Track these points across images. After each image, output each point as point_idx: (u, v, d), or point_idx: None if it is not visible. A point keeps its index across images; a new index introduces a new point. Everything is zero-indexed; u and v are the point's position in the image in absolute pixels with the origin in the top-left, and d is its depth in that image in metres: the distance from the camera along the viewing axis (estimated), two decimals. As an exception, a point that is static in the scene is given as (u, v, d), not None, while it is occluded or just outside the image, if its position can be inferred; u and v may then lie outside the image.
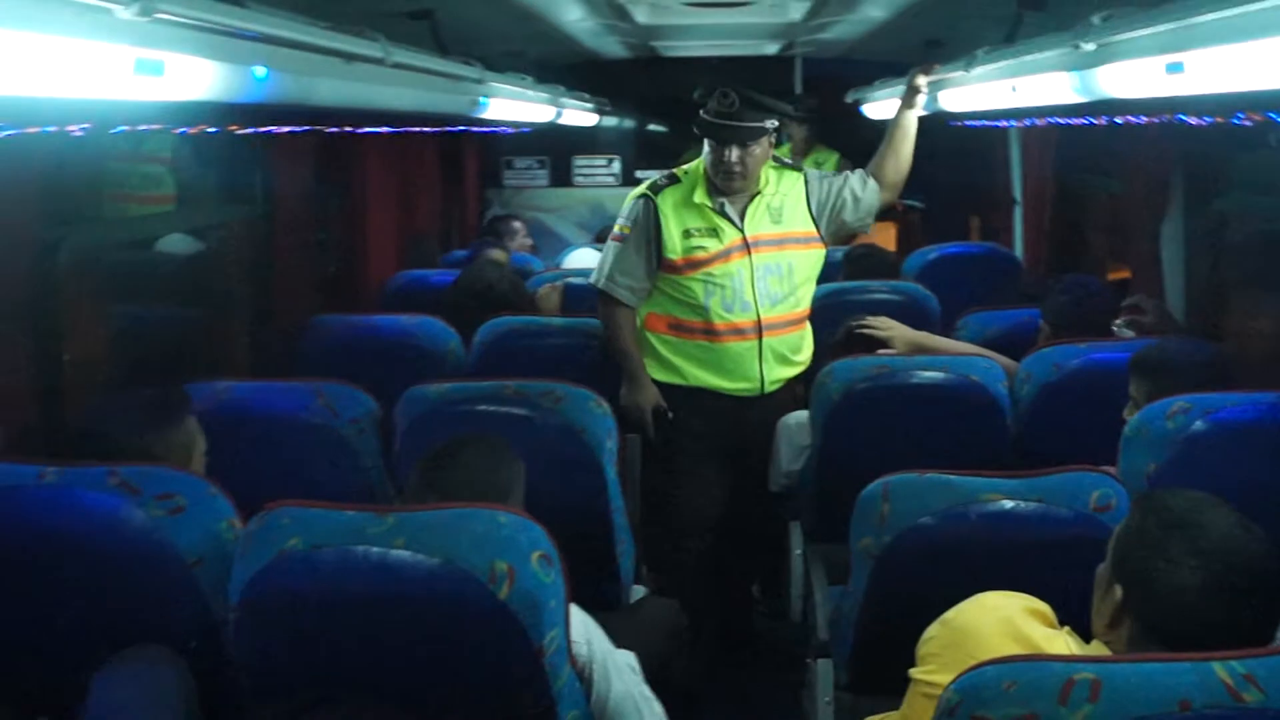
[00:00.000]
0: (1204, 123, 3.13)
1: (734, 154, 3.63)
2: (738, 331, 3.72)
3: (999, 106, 4.06)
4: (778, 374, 3.80)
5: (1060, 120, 4.65)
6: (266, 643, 2.18)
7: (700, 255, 3.70)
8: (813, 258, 3.84)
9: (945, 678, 1.64)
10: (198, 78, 2.13)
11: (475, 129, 6.90)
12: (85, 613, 2.29)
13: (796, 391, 3.90)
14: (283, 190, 4.46)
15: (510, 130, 7.37)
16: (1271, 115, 2.69)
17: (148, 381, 2.90)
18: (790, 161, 3.95)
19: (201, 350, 4.34)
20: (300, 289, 4.53)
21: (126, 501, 2.25)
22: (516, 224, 6.40)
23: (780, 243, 3.76)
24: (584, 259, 5.71)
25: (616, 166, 8.36)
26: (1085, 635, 1.84)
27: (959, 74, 3.85)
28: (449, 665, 2.11)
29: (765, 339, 3.73)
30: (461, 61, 4.23)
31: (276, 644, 2.18)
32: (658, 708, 2.46)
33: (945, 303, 4.37)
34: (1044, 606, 1.84)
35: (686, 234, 3.71)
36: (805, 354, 3.90)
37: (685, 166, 3.85)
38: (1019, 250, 5.73)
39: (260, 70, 2.40)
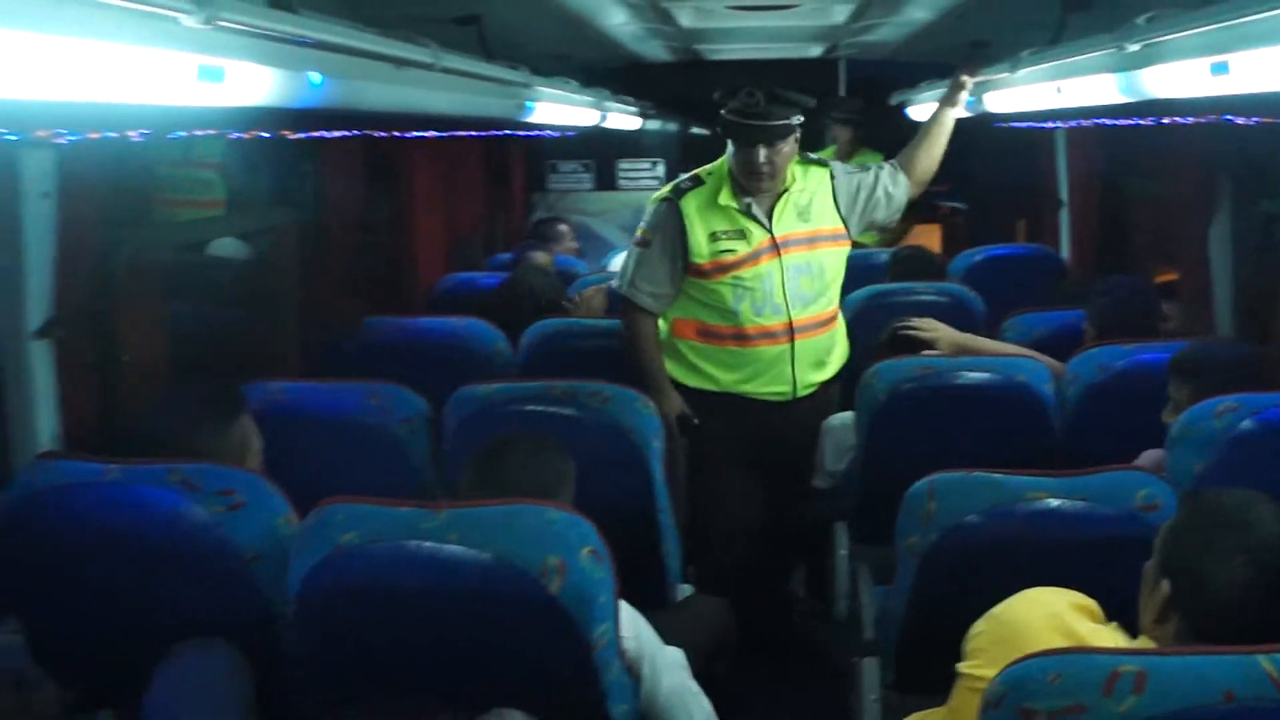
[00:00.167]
0: (1251, 123, 3.12)
1: (762, 154, 3.53)
2: (769, 335, 3.64)
3: (1044, 108, 4.05)
4: (811, 378, 3.71)
5: (1106, 121, 4.62)
6: (322, 636, 2.23)
7: (728, 258, 3.61)
8: (841, 255, 3.77)
9: (992, 672, 1.67)
10: (256, 83, 2.19)
11: (520, 133, 6.96)
12: (147, 606, 2.36)
13: (831, 393, 3.83)
14: (332, 194, 4.53)
15: (555, 134, 7.42)
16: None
17: (204, 382, 2.98)
18: (815, 156, 3.87)
19: (255, 351, 4.41)
20: (350, 292, 4.59)
21: (187, 498, 2.31)
22: (563, 227, 6.44)
23: (811, 241, 3.67)
24: None
25: (660, 169, 8.39)
26: (1132, 632, 1.86)
27: (1004, 75, 3.85)
28: (500, 659, 2.16)
29: (797, 341, 3.65)
30: (508, 66, 4.27)
31: (331, 637, 2.23)
32: (706, 704, 2.49)
33: (991, 304, 4.37)
34: (1091, 602, 1.86)
35: (713, 237, 3.61)
36: (838, 356, 3.82)
37: (709, 167, 3.74)
38: (1065, 252, 5.72)
39: (315, 76, 2.45)
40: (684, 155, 8.48)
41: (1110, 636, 1.79)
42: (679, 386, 3.70)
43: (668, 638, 2.50)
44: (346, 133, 4.32)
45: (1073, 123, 5.23)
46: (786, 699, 3.60)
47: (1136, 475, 2.35)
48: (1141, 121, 4.04)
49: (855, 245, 3.97)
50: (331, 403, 3.13)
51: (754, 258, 3.61)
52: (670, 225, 3.64)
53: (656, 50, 6.89)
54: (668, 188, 3.77)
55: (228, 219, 4.49)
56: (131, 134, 2.77)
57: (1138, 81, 2.78)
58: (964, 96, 3.89)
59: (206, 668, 2.26)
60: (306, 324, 4.49)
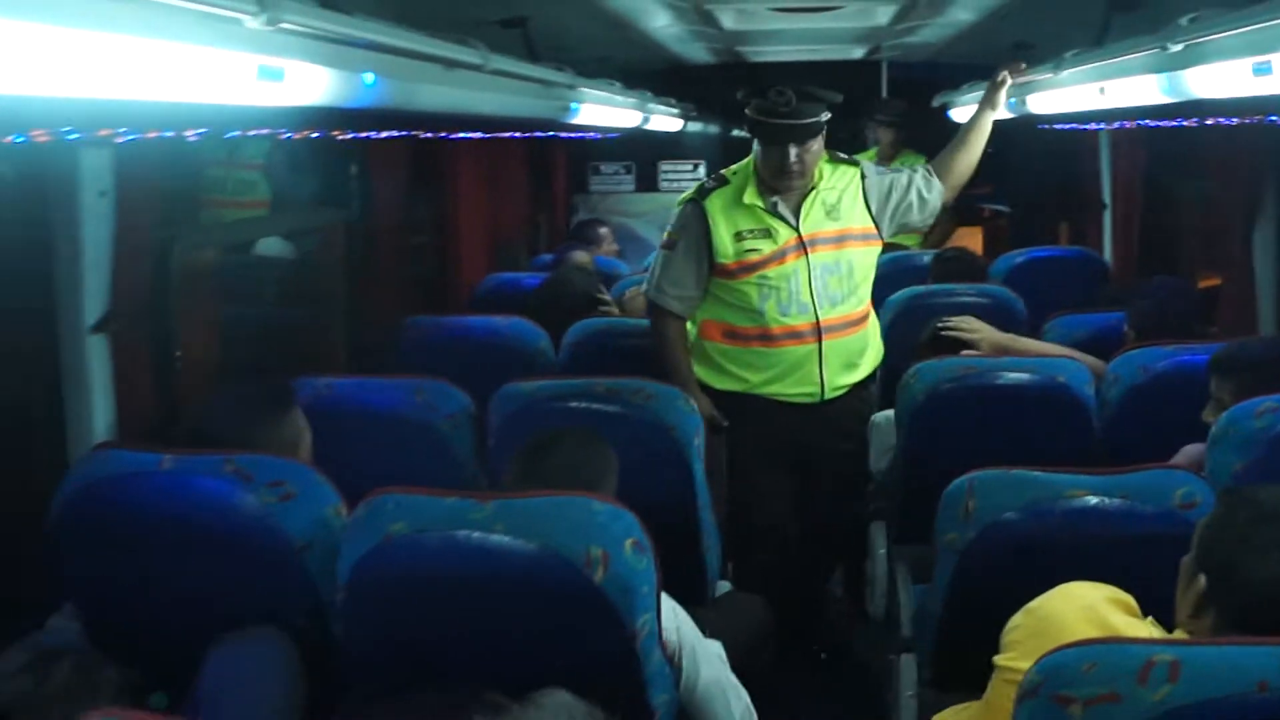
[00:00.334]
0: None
1: (793, 153, 3.49)
2: (795, 335, 3.59)
3: (1087, 109, 4.04)
4: (840, 380, 3.65)
5: (1150, 123, 4.61)
6: (371, 623, 2.27)
7: (754, 258, 3.57)
8: (871, 255, 3.72)
9: (1027, 664, 1.68)
10: (313, 83, 2.24)
11: (563, 135, 7.00)
12: (200, 593, 2.40)
13: (866, 395, 3.79)
14: (379, 195, 4.59)
15: (597, 136, 7.47)
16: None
17: (256, 377, 3.04)
18: (845, 156, 3.81)
19: (304, 348, 4.48)
20: (395, 291, 4.65)
21: (240, 488, 2.35)
22: (603, 230, 6.48)
23: (839, 240, 3.63)
24: None
25: (702, 171, 8.42)
26: (1168, 628, 1.88)
27: (1047, 76, 3.85)
28: (544, 647, 2.19)
29: (825, 342, 3.59)
30: (553, 68, 4.32)
31: (380, 624, 2.27)
32: (744, 696, 2.53)
33: (1033, 306, 4.37)
34: (1127, 597, 1.89)
35: (738, 236, 3.58)
36: (871, 358, 3.76)
37: (734, 167, 3.72)
38: (1108, 254, 5.71)
39: (369, 76, 2.51)
40: (725, 157, 8.50)
41: (1146, 630, 1.81)
42: (708, 389, 3.66)
43: (707, 632, 2.53)
44: (394, 133, 4.37)
45: (1117, 124, 5.22)
46: (823, 696, 3.62)
47: (1175, 474, 2.36)
48: (1185, 123, 4.03)
49: (898, 247, 3.97)
50: (378, 398, 3.19)
51: (779, 256, 3.57)
52: (695, 227, 3.62)
53: (699, 52, 6.91)
54: (693, 189, 3.75)
55: (277, 219, 4.57)
56: (188, 133, 2.83)
57: (1180, 82, 2.78)
58: (1003, 97, 3.82)
59: (257, 654, 2.30)
60: (353, 321, 4.56)
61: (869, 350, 3.74)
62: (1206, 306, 4.17)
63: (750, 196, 3.59)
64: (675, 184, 8.48)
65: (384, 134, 4.28)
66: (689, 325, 3.76)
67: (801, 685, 3.51)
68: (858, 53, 7.40)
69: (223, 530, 2.36)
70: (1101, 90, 3.54)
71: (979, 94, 4.08)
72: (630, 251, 7.33)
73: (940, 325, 3.68)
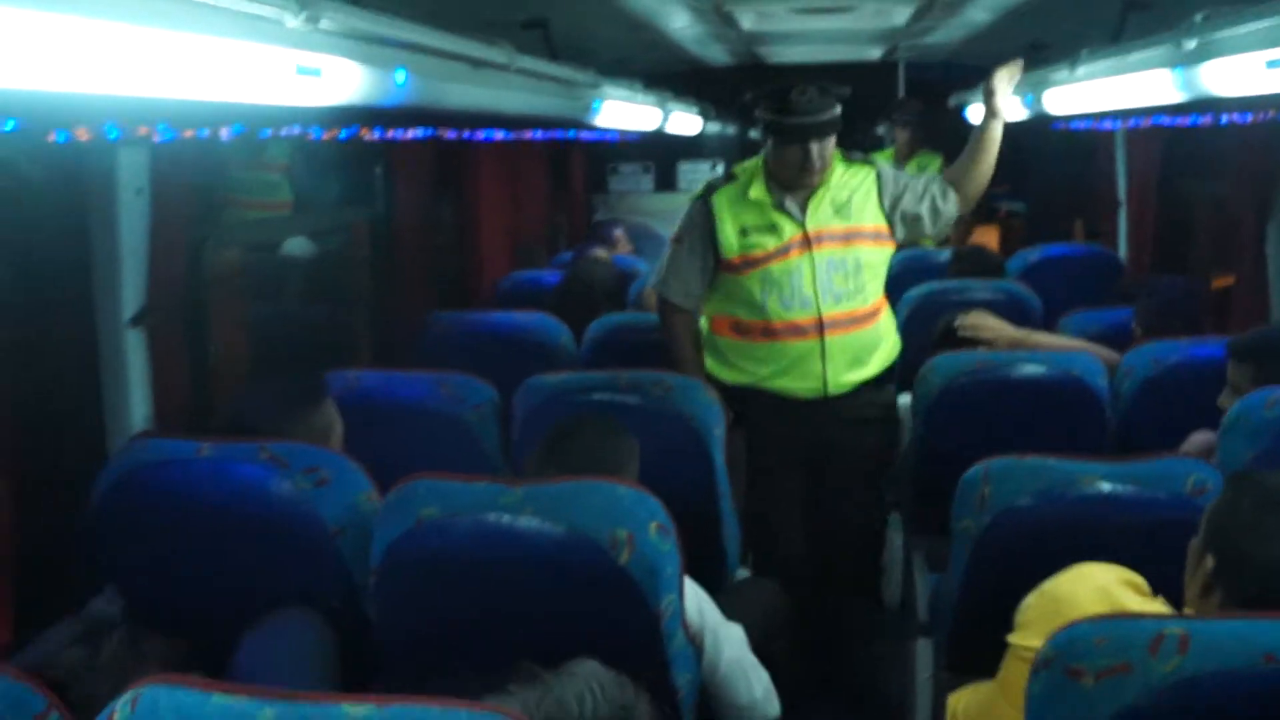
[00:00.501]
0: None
1: (815, 150, 3.46)
2: (797, 330, 3.54)
3: (1102, 108, 4.07)
4: (846, 377, 3.58)
5: (1165, 121, 4.65)
6: (403, 604, 2.33)
7: (757, 253, 3.54)
8: (883, 255, 3.65)
9: (1041, 642, 1.73)
10: (348, 81, 2.30)
11: (583, 135, 7.07)
12: (237, 576, 2.46)
13: (880, 395, 3.68)
14: (402, 194, 4.65)
15: (617, 137, 7.53)
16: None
17: (288, 370, 3.11)
18: (861, 155, 3.74)
19: (333, 343, 4.55)
20: (420, 287, 4.72)
21: (276, 474, 2.42)
22: (618, 231, 6.54)
23: (847, 238, 3.56)
24: None
25: (720, 171, 8.48)
26: (1178, 609, 1.93)
27: (1063, 74, 3.88)
28: (571, 627, 2.24)
29: (828, 337, 3.53)
30: (575, 68, 4.38)
31: (412, 605, 2.33)
32: (765, 676, 2.58)
33: (1048, 302, 4.42)
34: (1138, 578, 1.95)
35: (743, 232, 3.55)
36: (882, 356, 3.66)
37: (745, 164, 3.69)
38: (1122, 252, 5.75)
39: (401, 75, 2.57)
40: (742, 157, 8.55)
41: (1156, 609, 1.87)
42: (719, 382, 3.62)
43: (726, 617, 2.59)
44: (419, 131, 4.43)
45: (1131, 123, 5.26)
46: (841, 680, 3.65)
47: (1186, 461, 2.42)
48: (1200, 121, 4.07)
49: (916, 244, 3.98)
50: (406, 391, 3.25)
51: (783, 252, 3.54)
52: (701, 223, 3.62)
53: (717, 54, 6.97)
54: (702, 186, 3.75)
55: (305, 217, 4.64)
56: (223, 131, 2.90)
57: (1194, 78, 2.82)
58: (1000, 104, 3.57)
59: (292, 635, 2.35)
60: (378, 318, 4.63)
61: (880, 347, 3.66)
62: (1220, 305, 4.22)
63: (756, 192, 3.57)
64: (694, 184, 8.52)
65: (410, 132, 4.34)
66: (702, 320, 3.77)
67: (817, 670, 3.54)
68: (875, 53, 7.45)
69: (259, 515, 2.43)
70: (1116, 88, 3.57)
71: None
72: (649, 250, 7.39)
73: (956, 325, 3.71)
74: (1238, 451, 2.60)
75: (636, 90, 5.80)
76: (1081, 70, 3.75)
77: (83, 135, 2.49)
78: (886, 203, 3.63)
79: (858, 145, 3.84)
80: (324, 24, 1.95)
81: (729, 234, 3.57)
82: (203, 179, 3.21)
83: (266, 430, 2.59)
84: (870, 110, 7.95)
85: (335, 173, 4.70)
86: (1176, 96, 3.05)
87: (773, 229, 3.55)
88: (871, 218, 3.61)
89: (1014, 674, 1.94)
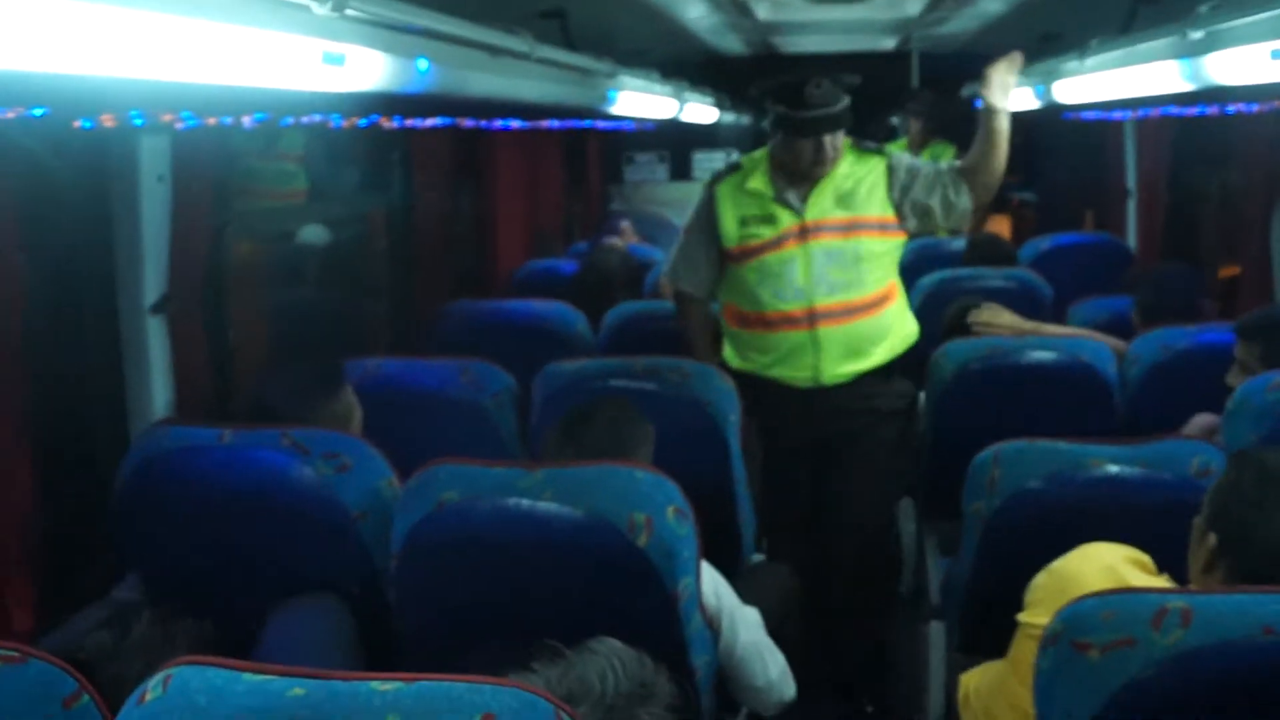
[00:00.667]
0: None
1: (828, 142, 3.44)
2: (790, 320, 3.50)
3: (1112, 98, 4.09)
4: (841, 368, 3.51)
5: (1174, 111, 4.67)
6: (423, 587, 2.36)
7: (754, 243, 3.53)
8: (887, 245, 3.57)
9: (1048, 619, 1.79)
10: (371, 68, 2.34)
11: (599, 124, 7.10)
12: (259, 561, 2.50)
13: (888, 388, 3.58)
14: (420, 183, 4.69)
15: (632, 126, 7.56)
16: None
17: (308, 357, 3.14)
18: (873, 145, 3.67)
19: (349, 330, 4.59)
20: (438, 275, 4.76)
21: (297, 460, 2.45)
22: (624, 223, 6.58)
23: (848, 228, 3.51)
24: None
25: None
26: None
27: (1073, 64, 3.90)
28: (590, 609, 2.27)
29: (821, 328, 3.48)
30: (594, 57, 4.41)
31: (432, 588, 2.36)
32: (780, 659, 2.61)
33: (1058, 290, 4.47)
34: (1145, 557, 1.99)
35: (743, 222, 3.56)
36: (889, 346, 3.58)
37: (753, 154, 3.70)
38: (1132, 241, 5.79)
39: (423, 63, 2.61)
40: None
41: (1161, 585, 1.91)
42: (732, 369, 3.60)
43: (742, 600, 2.63)
44: (438, 120, 4.46)
45: (1141, 113, 5.29)
46: (855, 662, 3.69)
47: (1191, 443, 2.46)
48: (1208, 111, 4.09)
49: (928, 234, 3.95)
50: (424, 378, 3.29)
51: (778, 242, 3.51)
52: (706, 212, 3.64)
53: (733, 44, 6.98)
54: (711, 175, 3.77)
55: (324, 205, 4.66)
56: (245, 119, 2.94)
57: (1200, 69, 2.85)
58: (996, 97, 3.42)
59: (315, 619, 2.40)
60: (398, 306, 4.67)
61: (885, 339, 3.57)
62: (1227, 294, 4.25)
63: (757, 183, 3.57)
64: (708, 173, 8.54)
65: (429, 120, 4.38)
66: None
67: (831, 652, 3.57)
68: (889, 43, 7.46)
69: (281, 500, 2.47)
70: (1126, 78, 3.59)
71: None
72: (664, 240, 7.43)
73: (970, 322, 3.75)
74: (1242, 434, 2.63)
75: (653, 80, 5.83)
76: (1091, 61, 3.77)
77: (108, 121, 2.53)
78: (895, 193, 3.56)
79: (871, 135, 3.83)
80: (350, 12, 1.99)
81: (729, 224, 3.58)
82: (222, 167, 3.24)
83: (287, 416, 2.62)
84: (884, 100, 7.97)
85: (351, 162, 4.73)
86: (1183, 87, 3.08)
87: (770, 220, 3.54)
88: (878, 208, 3.55)
89: (1023, 652, 1.98)
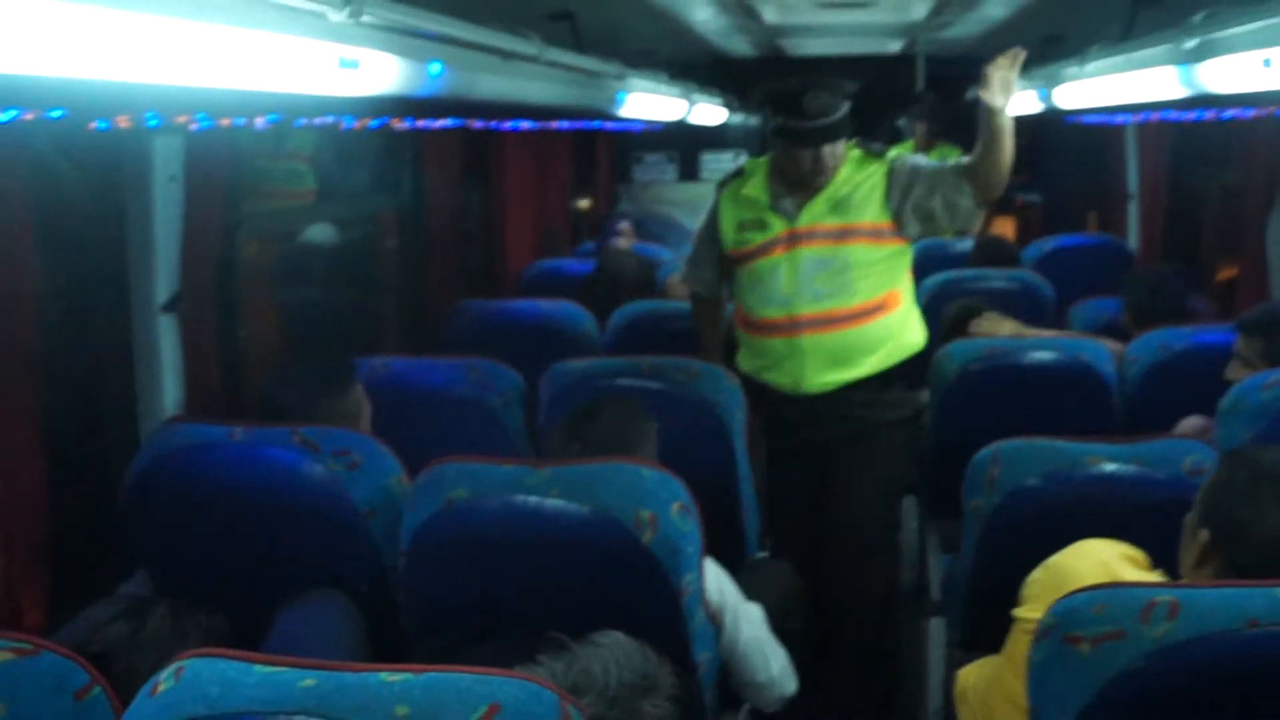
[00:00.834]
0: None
1: (828, 152, 3.40)
2: (775, 327, 3.47)
3: (1111, 103, 4.13)
4: (825, 377, 3.44)
5: (1173, 116, 4.72)
6: (432, 583, 2.39)
7: (747, 248, 3.51)
8: (883, 253, 3.45)
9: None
10: (386, 73, 2.38)
11: (608, 126, 7.13)
12: (269, 558, 2.53)
13: (884, 398, 3.49)
14: (430, 183, 4.72)
15: (641, 127, 7.60)
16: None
17: (319, 355, 3.17)
18: (878, 148, 3.58)
19: (359, 329, 4.62)
20: (447, 275, 4.80)
21: (307, 458, 2.48)
22: (622, 224, 6.58)
23: (840, 235, 3.43)
24: None
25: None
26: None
27: (1073, 69, 3.94)
28: (596, 604, 2.30)
29: (805, 335, 3.42)
30: (602, 60, 4.44)
31: (441, 584, 2.39)
32: (782, 654, 2.65)
33: (1061, 291, 4.52)
34: (1138, 553, 2.02)
35: (739, 226, 3.54)
36: (883, 356, 3.47)
37: (757, 159, 3.68)
38: (1133, 242, 5.84)
39: (436, 67, 2.65)
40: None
41: (1153, 580, 1.95)
42: (740, 370, 3.59)
43: (746, 596, 2.66)
44: (449, 121, 4.50)
45: (1142, 117, 5.33)
46: (856, 659, 3.71)
47: (1185, 442, 2.51)
48: (1206, 115, 4.13)
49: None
50: (434, 377, 3.32)
51: (767, 249, 3.48)
52: (712, 214, 3.66)
53: (740, 45, 7.02)
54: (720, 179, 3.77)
55: (335, 205, 4.69)
56: (258, 121, 2.97)
57: (1195, 75, 2.90)
58: (997, 94, 3.21)
59: (324, 616, 2.42)
60: (408, 305, 4.71)
61: (877, 349, 3.47)
62: (1225, 295, 4.29)
63: (753, 189, 3.54)
64: (716, 174, 8.56)
65: (440, 122, 4.41)
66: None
67: (829, 647, 3.60)
68: (894, 46, 7.50)
69: (291, 498, 2.49)
70: (1126, 84, 3.63)
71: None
72: (672, 239, 7.46)
73: (970, 330, 3.82)
74: (1236, 432, 2.68)
75: (661, 81, 5.87)
76: (1091, 66, 3.82)
77: (123, 123, 2.56)
78: (894, 199, 3.45)
79: (877, 138, 3.83)
80: (365, 18, 2.03)
81: (727, 228, 3.59)
82: (234, 167, 3.26)
83: (297, 413, 2.65)
84: (890, 103, 8.01)
85: (360, 162, 4.77)
86: (1180, 92, 3.12)
87: (762, 225, 3.51)
88: (872, 215, 3.46)
89: (1019, 646, 2.01)
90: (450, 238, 4.85)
